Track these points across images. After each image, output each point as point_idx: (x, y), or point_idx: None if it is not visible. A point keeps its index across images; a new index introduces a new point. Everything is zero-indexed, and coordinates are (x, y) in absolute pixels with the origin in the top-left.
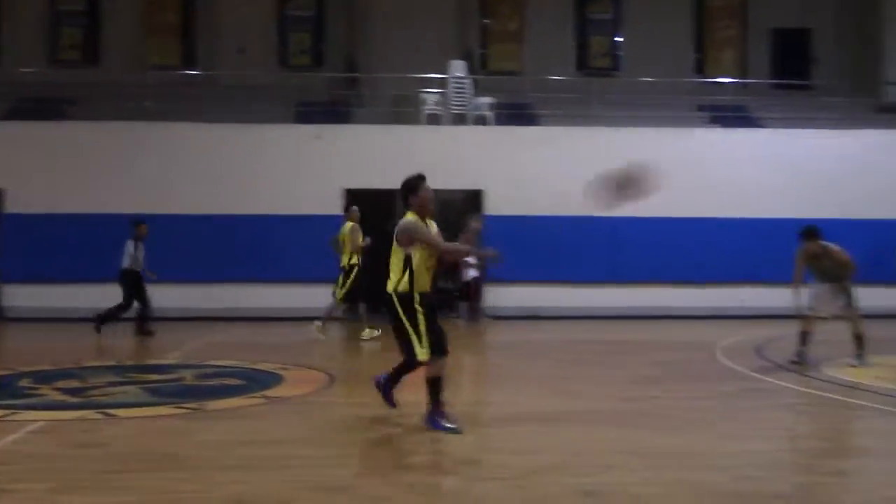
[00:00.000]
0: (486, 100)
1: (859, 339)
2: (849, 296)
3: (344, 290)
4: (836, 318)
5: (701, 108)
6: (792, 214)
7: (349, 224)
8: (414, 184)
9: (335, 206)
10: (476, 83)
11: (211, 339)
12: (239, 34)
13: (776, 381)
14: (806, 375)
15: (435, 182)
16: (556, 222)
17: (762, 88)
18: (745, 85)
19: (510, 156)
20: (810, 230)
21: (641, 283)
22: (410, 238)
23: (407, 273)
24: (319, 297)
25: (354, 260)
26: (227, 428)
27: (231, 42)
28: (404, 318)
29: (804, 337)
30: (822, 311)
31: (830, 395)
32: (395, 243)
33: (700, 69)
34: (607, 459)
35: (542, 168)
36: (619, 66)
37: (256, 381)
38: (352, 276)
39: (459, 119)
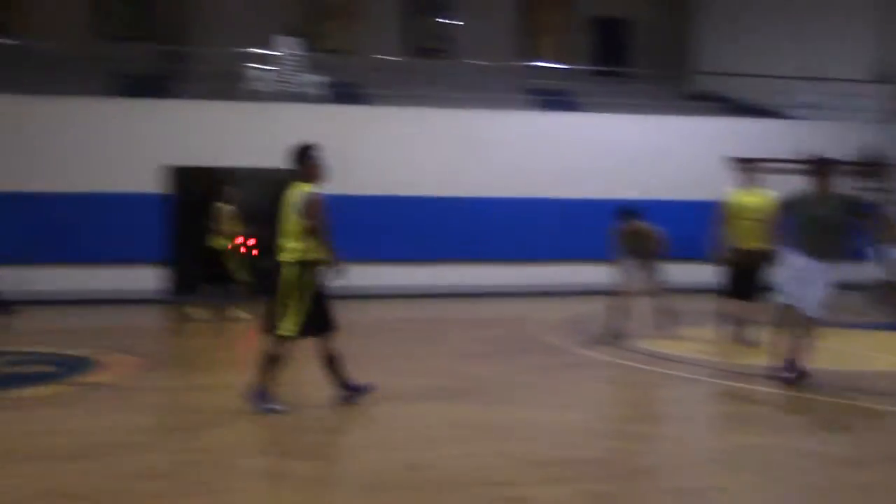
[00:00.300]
0: (317, 78)
1: (667, 313)
2: (658, 272)
3: (239, 271)
4: (648, 293)
5: (528, 92)
6: (610, 195)
7: (228, 206)
8: (306, 152)
9: (158, 184)
10: (307, 61)
11: (20, 324)
12: (57, 2)
13: (592, 355)
14: (619, 348)
15: (263, 160)
16: (385, 202)
17: (585, 74)
18: (568, 70)
19: (341, 135)
20: (627, 210)
21: (470, 261)
22: (314, 214)
23: (308, 243)
24: (135, 278)
25: (233, 242)
26: (38, 417)
27: (47, 10)
28: (295, 289)
29: (618, 312)
30: (634, 287)
31: (641, 366)
32: (294, 212)
33: (527, 54)
34: (433, 434)
35: (373, 148)
36: (449, 49)
37: (69, 367)
38: (234, 258)
39: (289, 97)
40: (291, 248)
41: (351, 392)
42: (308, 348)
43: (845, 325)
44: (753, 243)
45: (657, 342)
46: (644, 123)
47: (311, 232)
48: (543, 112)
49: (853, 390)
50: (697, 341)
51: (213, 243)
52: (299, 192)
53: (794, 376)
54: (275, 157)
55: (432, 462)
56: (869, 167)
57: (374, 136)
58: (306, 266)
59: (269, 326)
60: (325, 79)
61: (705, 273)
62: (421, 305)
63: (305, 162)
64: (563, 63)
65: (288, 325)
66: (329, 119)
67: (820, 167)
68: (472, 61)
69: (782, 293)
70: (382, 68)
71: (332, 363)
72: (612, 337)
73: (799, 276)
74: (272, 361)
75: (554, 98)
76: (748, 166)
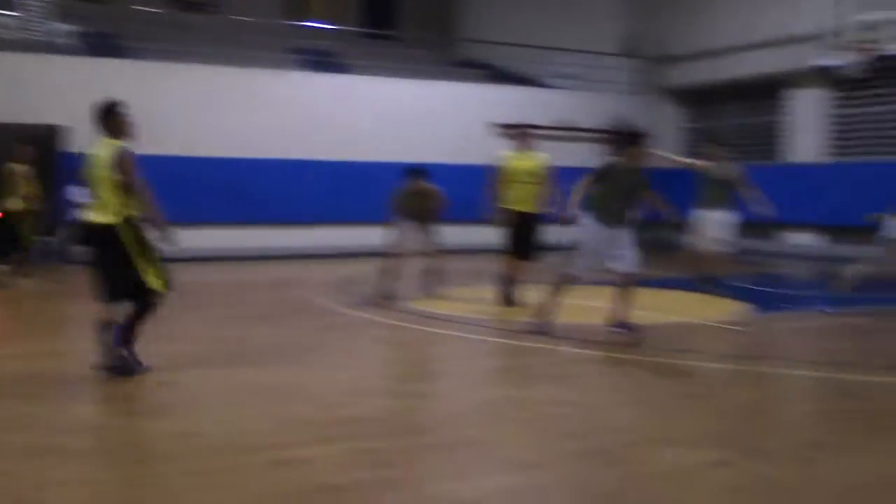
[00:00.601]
0: (67, 27)
1: (438, 274)
2: (434, 233)
3: (28, 236)
4: (422, 254)
5: (295, 52)
6: (382, 158)
7: (20, 166)
8: (112, 109)
9: None
10: (55, 8)
11: None
12: None
13: (365, 316)
14: (392, 309)
15: (6, 115)
16: (148, 162)
17: (353, 36)
18: (337, 31)
19: (97, 90)
20: (415, 169)
21: (243, 224)
22: (127, 169)
23: (124, 199)
24: None
25: (26, 205)
26: None
27: None
28: (133, 248)
29: (390, 273)
30: (408, 248)
31: (413, 326)
32: (106, 169)
33: (295, 13)
34: (207, 400)
35: (134, 105)
36: (214, 3)
37: None
38: (27, 222)
39: (34, 46)
40: (111, 207)
41: (122, 367)
42: (91, 312)
43: (596, 283)
44: (527, 205)
45: (429, 302)
46: (414, 87)
47: (126, 187)
48: (312, 73)
49: (611, 343)
50: (470, 301)
51: (6, 206)
52: (109, 149)
53: (629, 332)
54: (19, 111)
55: (204, 429)
56: (618, 135)
57: (133, 91)
58: (132, 222)
59: (130, 291)
60: (77, 28)
61: (478, 234)
62: (199, 269)
63: (112, 119)
64: (332, 24)
65: (153, 280)
66: (84, 72)
67: (631, 139)
68: (238, 18)
69: (585, 258)
70: (142, 20)
71: (110, 330)
72: (384, 298)
73: (603, 241)
74: (142, 312)
75: (322, 59)
76: (521, 132)
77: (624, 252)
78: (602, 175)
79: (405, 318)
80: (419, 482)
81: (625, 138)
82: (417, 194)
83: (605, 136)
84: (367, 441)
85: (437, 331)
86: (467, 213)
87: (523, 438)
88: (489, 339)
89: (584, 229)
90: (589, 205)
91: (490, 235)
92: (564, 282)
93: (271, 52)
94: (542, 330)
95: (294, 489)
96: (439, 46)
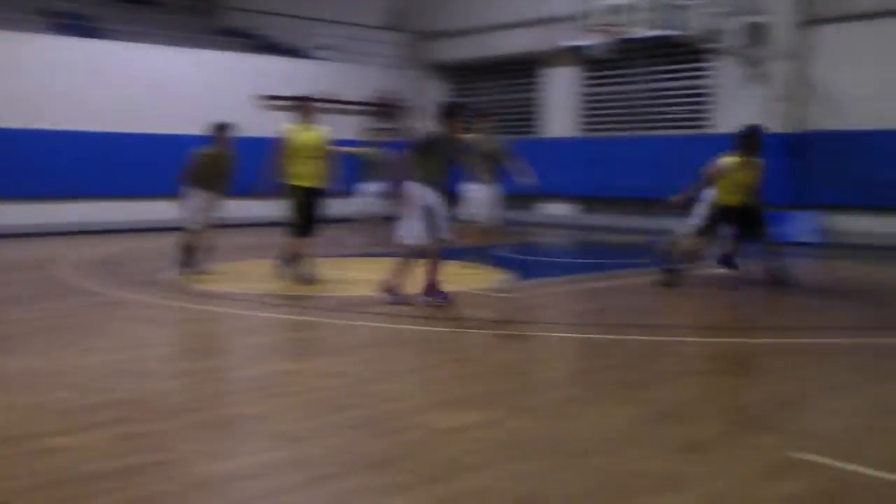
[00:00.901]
0: None
1: (211, 249)
2: (218, 206)
3: None
4: (204, 228)
5: (47, 14)
6: (137, 129)
7: None
8: None
9: None
10: None
11: None
12: None
13: (133, 296)
14: (164, 287)
15: None
16: None
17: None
18: None
19: None
20: (220, 127)
21: None
22: None
23: None
24: None
25: None
26: None
27: None
28: None
29: (188, 247)
30: (201, 220)
31: (185, 304)
32: None
33: None
34: None
35: None
36: None
37: None
38: None
39: None
40: None
41: None
42: None
43: (341, 254)
44: (311, 181)
45: (202, 279)
46: (174, 56)
47: None
48: (63, 37)
49: (384, 313)
50: (246, 276)
51: None
52: None
53: (402, 300)
54: None
55: None
56: (384, 108)
57: None
58: None
59: None
60: None
61: (250, 208)
62: None
63: None
64: None
65: None
66: None
67: (450, 111)
68: None
69: (418, 227)
70: None
71: None
72: (182, 273)
73: (429, 210)
74: None
75: (75, 23)
76: (303, 104)
77: (442, 222)
78: (425, 147)
79: (175, 296)
80: (187, 463)
81: (446, 110)
82: (218, 158)
83: (374, 108)
84: (134, 425)
85: (211, 308)
86: (236, 187)
87: (294, 412)
88: (264, 314)
89: (426, 198)
90: (419, 176)
91: (265, 209)
92: (435, 252)
93: (20, 13)
94: (403, 301)
95: (51, 480)
96: (201, 13)
